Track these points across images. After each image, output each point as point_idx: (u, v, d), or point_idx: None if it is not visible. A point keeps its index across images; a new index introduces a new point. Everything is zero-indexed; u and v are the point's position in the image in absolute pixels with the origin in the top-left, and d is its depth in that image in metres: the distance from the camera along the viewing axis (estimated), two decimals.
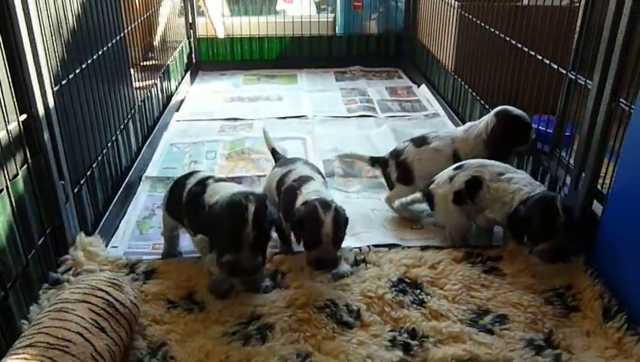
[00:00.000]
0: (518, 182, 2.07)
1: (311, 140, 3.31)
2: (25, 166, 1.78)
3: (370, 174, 2.87)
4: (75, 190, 2.14)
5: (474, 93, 3.21)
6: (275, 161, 2.41)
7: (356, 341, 1.74)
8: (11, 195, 1.67)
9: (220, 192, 1.89)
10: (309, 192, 1.94)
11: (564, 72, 2.27)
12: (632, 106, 1.79)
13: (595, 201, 2.06)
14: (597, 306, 1.83)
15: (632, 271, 1.81)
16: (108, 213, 2.42)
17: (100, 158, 2.41)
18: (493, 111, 2.40)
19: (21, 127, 1.75)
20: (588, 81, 2.06)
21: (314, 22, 4.77)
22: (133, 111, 2.95)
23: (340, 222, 1.84)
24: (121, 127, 2.74)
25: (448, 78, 3.71)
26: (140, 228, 2.44)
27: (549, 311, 1.86)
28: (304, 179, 2.04)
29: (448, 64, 3.69)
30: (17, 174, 1.73)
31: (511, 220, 2.04)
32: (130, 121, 2.89)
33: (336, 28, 4.85)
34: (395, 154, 2.48)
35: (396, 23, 4.75)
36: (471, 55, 3.28)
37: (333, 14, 4.90)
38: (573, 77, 2.22)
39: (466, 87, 3.33)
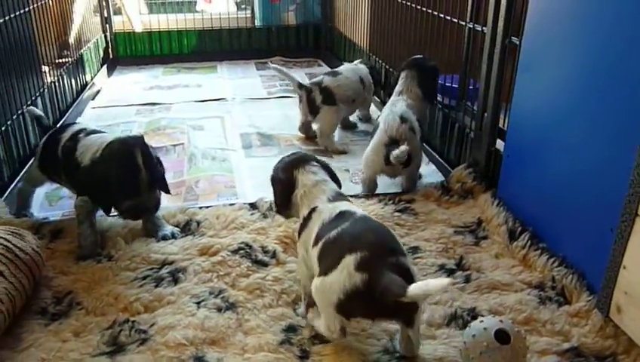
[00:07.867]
0: None
1: (230, 118, 3.29)
2: None
3: (287, 143, 2.88)
4: None
5: (387, 66, 3.29)
6: None
7: (271, 277, 1.74)
8: None
9: (90, 147, 1.83)
10: None
11: (464, 23, 2.36)
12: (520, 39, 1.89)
13: (498, 140, 2.15)
14: (503, 231, 1.91)
15: (531, 196, 1.90)
16: (13, 185, 2.31)
17: (3, 129, 2.31)
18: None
19: None
20: (484, 27, 2.16)
21: (232, 17, 4.79)
22: (42, 90, 2.85)
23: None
24: (29, 102, 2.63)
25: (364, 59, 3.79)
26: (48, 200, 2.35)
27: (460, 241, 1.92)
28: None
29: (364, 45, 3.77)
30: None
31: None
32: (39, 99, 2.79)
33: (256, 20, 4.87)
34: (317, 83, 2.90)
35: (314, 13, 4.82)
36: (383, 31, 3.37)
37: (250, 7, 4.90)
38: (472, 26, 2.31)
39: (380, 61, 3.41)
